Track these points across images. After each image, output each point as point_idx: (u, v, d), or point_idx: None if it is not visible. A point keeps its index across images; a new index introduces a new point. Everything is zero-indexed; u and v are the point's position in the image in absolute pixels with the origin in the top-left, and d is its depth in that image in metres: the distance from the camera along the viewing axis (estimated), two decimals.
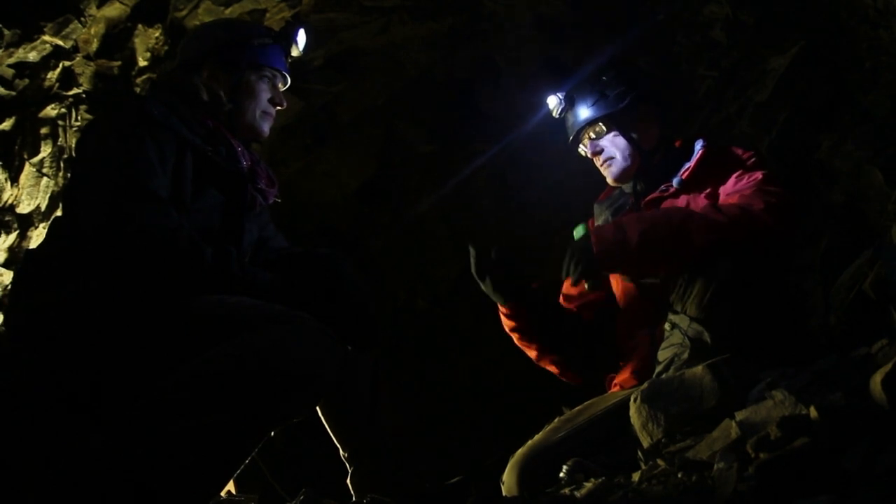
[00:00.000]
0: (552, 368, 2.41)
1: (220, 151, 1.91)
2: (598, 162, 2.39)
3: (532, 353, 2.41)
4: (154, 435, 1.47)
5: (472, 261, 2.30)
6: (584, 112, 2.37)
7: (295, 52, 2.18)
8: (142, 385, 1.56)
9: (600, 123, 2.35)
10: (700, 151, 2.27)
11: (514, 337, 2.40)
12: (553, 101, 2.44)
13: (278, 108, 2.12)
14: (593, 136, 2.37)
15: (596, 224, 2.44)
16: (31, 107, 2.83)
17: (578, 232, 2.17)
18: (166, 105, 1.87)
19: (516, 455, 2.17)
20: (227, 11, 3.22)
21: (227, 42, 2.05)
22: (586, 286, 2.13)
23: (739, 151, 2.23)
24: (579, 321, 2.41)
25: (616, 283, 2.34)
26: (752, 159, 2.18)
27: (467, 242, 2.33)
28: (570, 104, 2.40)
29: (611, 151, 2.34)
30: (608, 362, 2.35)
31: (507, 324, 2.38)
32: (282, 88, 2.14)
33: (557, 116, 2.46)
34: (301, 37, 2.18)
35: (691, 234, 1.97)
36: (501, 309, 2.36)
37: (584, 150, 2.42)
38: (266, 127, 2.10)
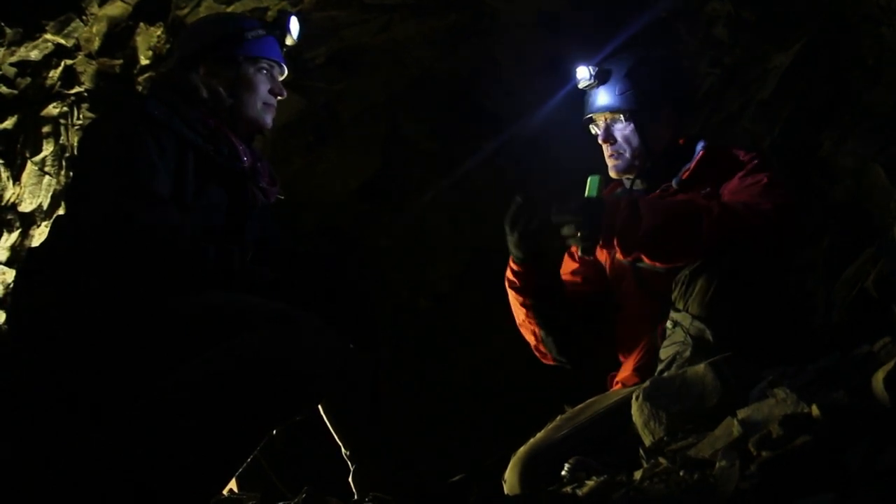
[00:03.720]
0: (529, 338, 2.39)
1: (221, 151, 1.91)
2: (605, 148, 2.36)
3: (519, 316, 2.38)
4: (155, 435, 1.47)
5: (515, 209, 2.21)
6: (610, 97, 2.32)
7: (289, 41, 2.16)
8: (142, 385, 1.56)
9: (622, 115, 2.31)
10: (700, 153, 2.28)
11: (511, 293, 2.36)
12: (583, 73, 2.35)
13: (279, 98, 2.11)
14: (610, 121, 2.33)
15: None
16: (32, 105, 2.83)
17: (592, 184, 2.11)
18: (167, 105, 1.87)
19: (518, 453, 2.17)
20: (229, 10, 3.21)
21: (222, 37, 2.04)
22: (578, 251, 2.10)
23: (741, 153, 2.23)
24: (571, 304, 2.39)
25: (616, 281, 2.34)
26: (755, 161, 2.18)
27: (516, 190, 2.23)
28: (599, 82, 2.34)
29: (622, 146, 2.32)
30: (585, 354, 2.35)
31: (510, 279, 2.34)
32: (280, 79, 2.13)
33: (581, 88, 2.39)
34: (294, 25, 2.16)
35: (704, 228, 1.96)
36: (513, 266, 2.32)
37: (595, 130, 2.39)
38: (269, 119, 2.09)
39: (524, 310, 2.35)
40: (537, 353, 2.42)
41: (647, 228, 1.98)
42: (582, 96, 2.43)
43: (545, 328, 2.34)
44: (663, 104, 2.32)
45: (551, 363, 2.41)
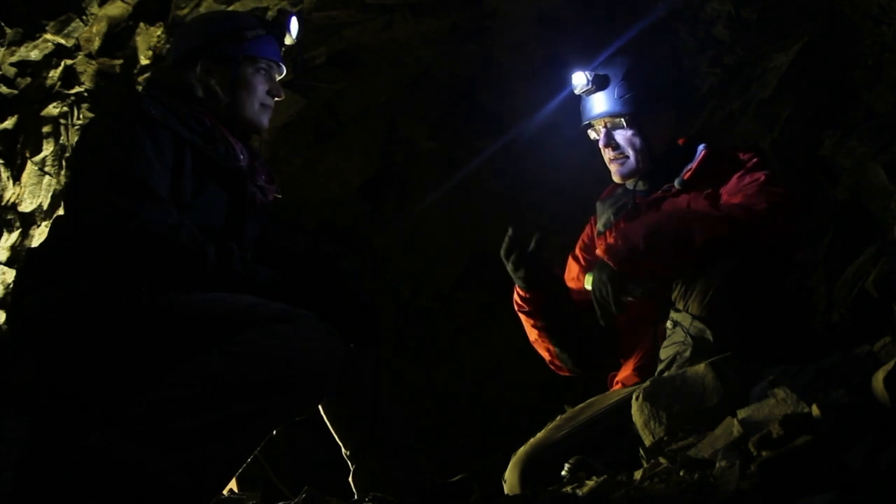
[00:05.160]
0: (544, 354, 2.40)
1: (218, 150, 1.90)
2: (607, 153, 2.35)
3: (531, 335, 2.39)
4: (155, 433, 1.47)
5: (512, 245, 2.23)
6: (610, 102, 2.30)
7: (288, 40, 2.14)
8: (143, 384, 1.56)
9: (622, 119, 2.30)
10: (702, 153, 2.27)
11: (522, 316, 2.38)
12: (580, 79, 2.33)
13: (276, 99, 2.09)
14: (611, 126, 2.32)
15: (598, 221, 2.45)
16: (33, 105, 2.82)
17: (589, 280, 2.12)
18: (163, 104, 1.86)
19: (518, 453, 2.17)
20: (230, 9, 3.21)
21: (220, 35, 2.02)
22: (638, 294, 2.09)
23: (741, 153, 2.23)
24: (581, 314, 2.39)
25: None
26: (754, 160, 2.18)
27: (508, 224, 2.25)
28: (598, 87, 2.32)
29: (625, 149, 2.31)
30: (599, 361, 2.35)
31: (519, 304, 2.36)
32: (278, 79, 2.11)
33: (578, 94, 2.37)
34: (294, 24, 2.14)
35: (693, 232, 1.97)
36: (520, 293, 2.33)
37: (595, 135, 2.38)
38: (266, 119, 2.07)
39: (536, 331, 2.36)
40: (552, 367, 2.43)
41: (642, 242, 1.99)
42: (578, 101, 2.42)
43: (559, 345, 2.35)
44: (663, 106, 2.31)
45: (567, 374, 2.42)
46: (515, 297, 2.36)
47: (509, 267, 2.27)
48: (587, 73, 2.32)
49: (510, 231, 2.24)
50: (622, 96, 2.29)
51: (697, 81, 3.73)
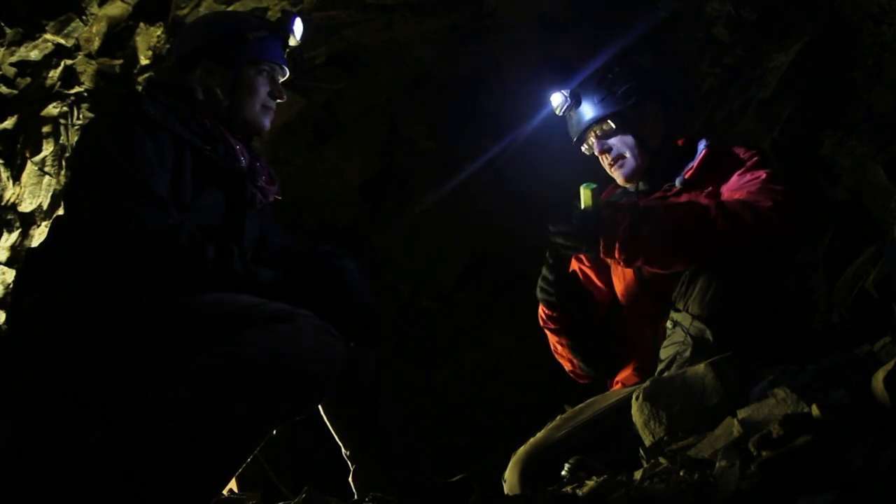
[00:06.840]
0: (566, 365, 2.40)
1: (218, 150, 1.90)
2: (605, 161, 2.36)
3: (556, 348, 2.40)
4: (155, 433, 1.47)
5: (554, 267, 2.26)
6: (591, 110, 2.33)
7: (292, 42, 2.13)
8: (143, 384, 1.56)
9: (608, 121, 2.31)
10: (703, 151, 2.27)
11: (547, 331, 2.38)
12: (558, 99, 2.38)
13: (278, 101, 2.09)
14: (600, 134, 2.34)
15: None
16: (33, 105, 2.83)
17: (585, 196, 2.08)
18: (163, 105, 1.86)
19: (518, 453, 2.17)
20: (230, 10, 3.21)
21: (222, 37, 2.02)
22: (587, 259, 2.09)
23: (742, 151, 2.23)
24: (600, 324, 2.39)
25: (618, 280, 2.34)
26: (755, 158, 2.18)
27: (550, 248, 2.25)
28: (575, 102, 2.35)
29: (620, 150, 2.32)
30: (617, 365, 2.35)
31: (544, 321, 2.36)
32: (281, 80, 2.11)
33: (561, 114, 2.41)
34: (297, 27, 2.13)
35: (703, 234, 1.96)
36: (545, 310, 2.33)
37: (589, 148, 2.39)
38: (267, 121, 2.07)
39: (561, 346, 2.37)
40: (573, 376, 2.43)
41: (650, 233, 1.97)
42: (565, 125, 2.45)
43: (584, 360, 2.35)
44: (644, 100, 2.32)
45: (586, 381, 2.42)
46: (540, 313, 2.36)
47: (549, 286, 2.27)
48: (563, 91, 2.37)
49: (548, 256, 2.25)
50: (602, 100, 2.32)
51: (697, 81, 3.74)
